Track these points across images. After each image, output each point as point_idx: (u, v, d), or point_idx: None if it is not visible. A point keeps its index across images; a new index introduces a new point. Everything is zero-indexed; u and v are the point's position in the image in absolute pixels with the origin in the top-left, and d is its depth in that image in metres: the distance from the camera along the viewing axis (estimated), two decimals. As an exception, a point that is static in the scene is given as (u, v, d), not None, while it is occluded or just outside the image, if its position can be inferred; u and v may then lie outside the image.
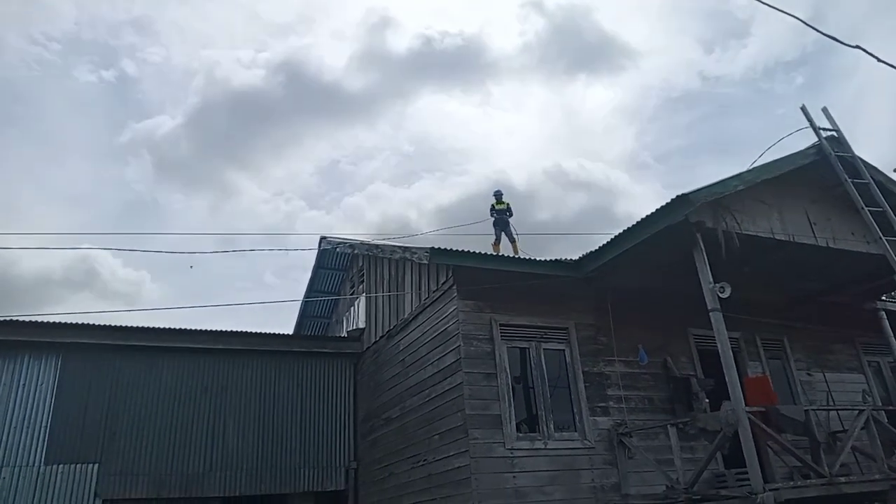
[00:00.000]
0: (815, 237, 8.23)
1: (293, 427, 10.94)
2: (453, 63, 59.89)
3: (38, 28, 54.59)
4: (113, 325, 10.22)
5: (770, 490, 6.23)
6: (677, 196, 7.09)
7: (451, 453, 8.01)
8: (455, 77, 63.37)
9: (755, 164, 7.90)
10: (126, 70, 63.53)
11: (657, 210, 7.41)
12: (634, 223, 7.80)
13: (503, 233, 14.40)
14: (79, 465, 9.44)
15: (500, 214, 14.49)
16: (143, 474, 9.73)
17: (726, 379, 6.82)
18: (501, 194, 14.78)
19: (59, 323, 9.87)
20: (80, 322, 9.99)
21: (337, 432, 11.24)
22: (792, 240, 8.06)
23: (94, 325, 10.07)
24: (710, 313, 7.03)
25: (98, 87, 59.64)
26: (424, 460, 8.73)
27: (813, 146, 8.50)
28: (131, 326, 10.35)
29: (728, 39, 67.10)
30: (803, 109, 8.86)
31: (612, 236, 8.22)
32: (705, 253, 7.25)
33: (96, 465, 9.51)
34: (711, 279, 7.09)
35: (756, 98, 68.81)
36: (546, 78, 64.38)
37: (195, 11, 65.24)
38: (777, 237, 7.97)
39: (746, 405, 6.72)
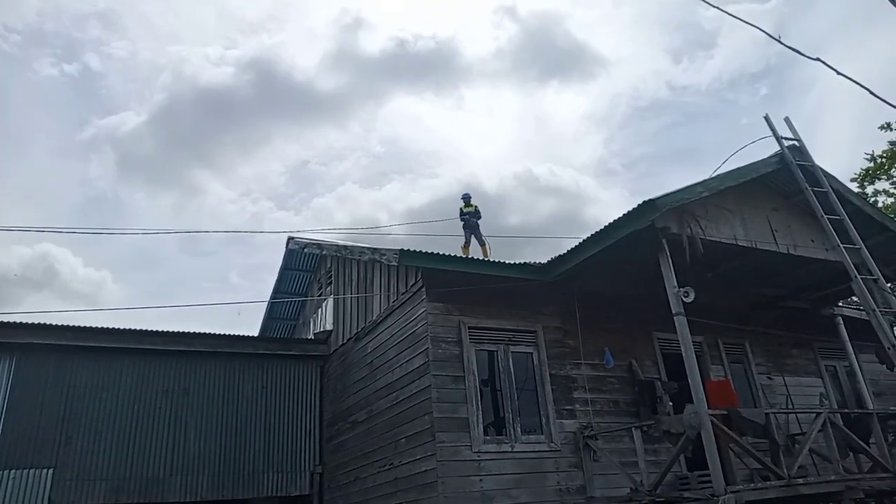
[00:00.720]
0: (776, 244, 8.42)
1: (257, 430, 10.75)
2: (426, 66, 60.00)
3: (-2, 19, 52.92)
4: (70, 325, 9.92)
5: (731, 492, 6.34)
6: (644, 201, 7.19)
7: (417, 457, 7.96)
8: (428, 80, 63.46)
9: (719, 172, 8.05)
10: (90, 64, 62.03)
11: (624, 215, 7.50)
12: (601, 228, 7.87)
13: (472, 235, 14.41)
14: (32, 471, 9.12)
15: (469, 217, 14.51)
16: (100, 479, 9.44)
17: (689, 382, 6.93)
18: (470, 197, 14.78)
19: (14, 323, 9.54)
20: (35, 322, 9.68)
21: (302, 436, 11.08)
22: (754, 246, 8.23)
23: (50, 325, 9.76)
24: (675, 317, 7.14)
25: (60, 81, 58.04)
26: (391, 464, 8.66)
27: (775, 155, 8.72)
28: (89, 327, 10.06)
29: (695, 50, 68.57)
30: (766, 118, 9.08)
31: (580, 240, 8.29)
32: (670, 258, 7.36)
33: (51, 471, 9.20)
34: (676, 284, 7.20)
35: (721, 108, 70.47)
36: (519, 83, 64.88)
37: (164, 6, 63.94)
38: (740, 243, 8.13)
39: (709, 408, 6.84)
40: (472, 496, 7.48)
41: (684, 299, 7.09)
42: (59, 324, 9.85)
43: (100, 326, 10.14)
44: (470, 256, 11.41)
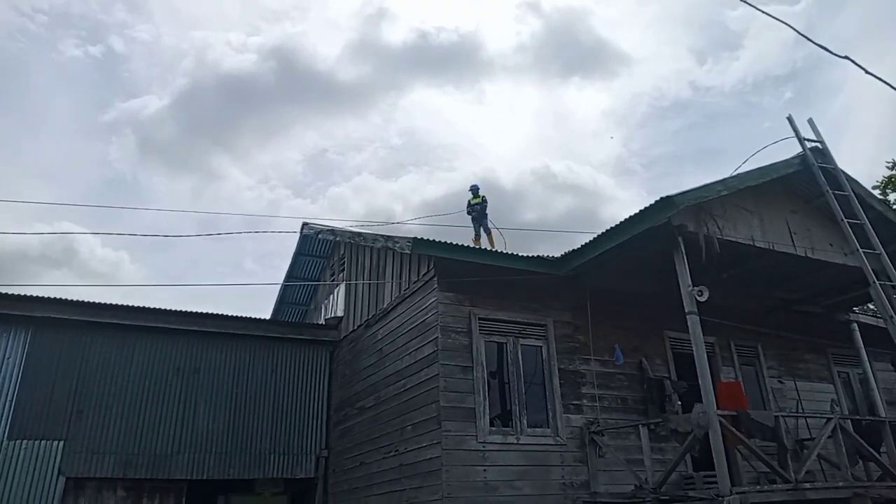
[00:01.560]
0: (794, 246, 8.31)
1: (265, 412, 10.84)
2: (448, 58, 59.78)
3: (26, 0, 53.39)
4: (85, 301, 10.03)
5: (737, 493, 6.28)
6: (661, 198, 7.11)
7: (423, 444, 7.98)
8: (449, 73, 63.25)
9: (739, 171, 7.95)
10: (114, 47, 62.45)
11: (640, 211, 7.42)
12: (617, 223, 7.81)
13: (480, 227, 14.34)
14: (43, 442, 9.26)
15: (477, 208, 14.44)
16: (109, 453, 9.57)
17: (699, 382, 6.87)
18: (478, 188, 14.62)
19: (30, 296, 9.65)
20: (51, 296, 9.79)
21: (309, 419, 11.16)
22: (772, 248, 8.12)
23: (65, 299, 9.87)
24: (687, 316, 7.07)
25: (83, 63, 58.56)
26: (396, 450, 8.70)
27: (797, 156, 8.59)
28: (103, 303, 10.16)
29: (720, 51, 67.71)
30: (790, 119, 8.95)
31: (595, 235, 8.23)
32: (686, 256, 7.28)
33: (62, 443, 9.34)
34: (690, 282, 7.13)
35: (744, 110, 69.64)
36: (540, 79, 64.51)
37: (188, -10, 64.20)
38: (757, 244, 8.03)
39: (718, 409, 6.78)
40: (475, 485, 7.49)
41: (698, 298, 7.02)
42: (75, 299, 9.97)
43: (114, 303, 10.25)
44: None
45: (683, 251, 7.29)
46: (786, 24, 5.10)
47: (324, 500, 10.75)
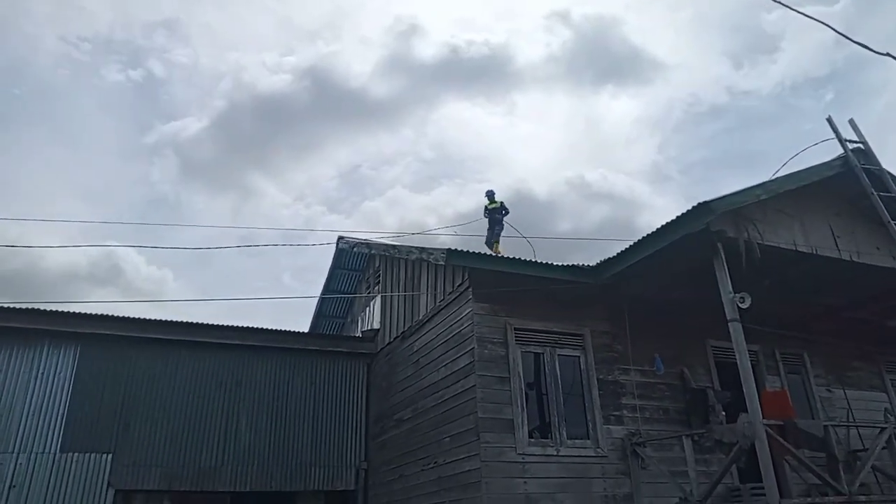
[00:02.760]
0: (838, 250, 8.07)
1: (305, 425, 10.96)
2: (478, 71, 59.92)
3: (72, 30, 55.71)
4: (131, 317, 10.33)
5: (786, 505, 6.11)
6: (698, 203, 7.00)
7: (461, 456, 7.96)
8: (479, 85, 63.41)
9: (779, 174, 7.79)
10: (153, 70, 64.47)
11: (677, 218, 7.32)
12: (654, 230, 7.70)
13: (493, 232, 14.17)
14: (93, 455, 9.53)
15: (494, 214, 14.35)
16: (155, 466, 9.80)
17: (744, 391, 6.70)
18: (493, 193, 14.56)
19: (79, 313, 10.00)
20: (99, 313, 10.13)
21: (348, 432, 11.24)
22: (815, 252, 7.91)
23: (112, 316, 10.18)
24: (730, 324, 6.92)
25: (125, 87, 60.59)
26: (435, 462, 8.70)
27: (839, 157, 8.37)
28: (149, 319, 10.45)
29: (757, 54, 66.38)
30: (829, 120, 8.73)
31: (631, 243, 8.14)
32: (725, 263, 7.14)
33: (110, 455, 9.60)
34: (731, 289, 6.99)
35: (782, 113, 68.04)
36: (572, 88, 64.18)
37: (226, 14, 66.09)
38: (800, 249, 7.83)
39: (764, 418, 6.61)
40: (516, 498, 7.43)
41: (740, 305, 6.87)
42: (122, 316, 10.28)
43: (158, 319, 10.53)
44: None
45: (723, 257, 7.16)
46: (824, 24, 5.01)
47: (364, 512, 10.79)
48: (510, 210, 14.47)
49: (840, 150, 8.47)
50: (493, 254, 12.41)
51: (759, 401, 6.77)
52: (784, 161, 8.00)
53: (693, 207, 7.08)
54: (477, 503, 7.41)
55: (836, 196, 8.50)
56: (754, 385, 6.76)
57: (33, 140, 53.33)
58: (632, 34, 65.11)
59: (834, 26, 5.00)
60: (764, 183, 7.48)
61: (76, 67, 56.55)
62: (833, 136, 8.61)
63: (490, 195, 14.60)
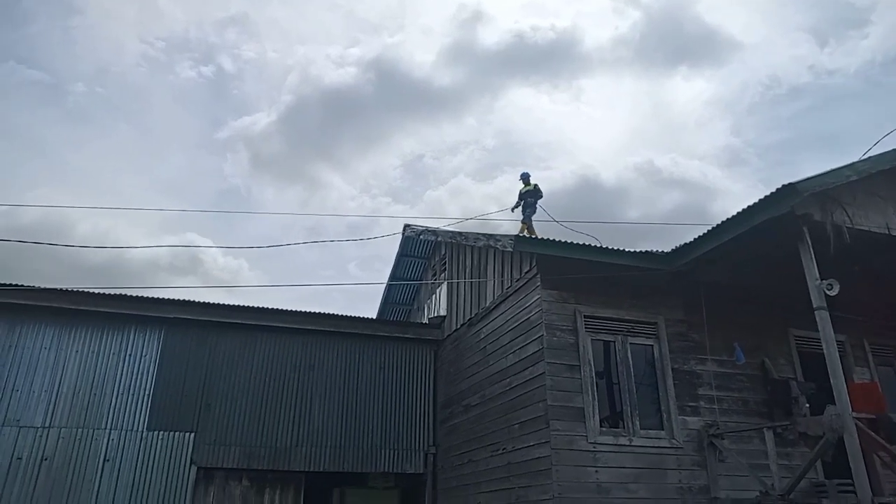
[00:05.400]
0: (936, 235, 7.52)
1: (375, 408, 11.20)
2: (544, 57, 58.93)
3: (150, 30, 58.32)
4: (211, 302, 10.80)
5: (880, 503, 5.78)
6: (784, 185, 6.64)
7: (531, 443, 7.95)
8: (545, 71, 62.40)
9: (869, 155, 7.30)
10: (223, 66, 66.79)
11: (760, 200, 6.97)
12: (733, 214, 7.37)
13: (527, 215, 13.94)
14: (177, 433, 10.04)
15: (528, 197, 14.10)
16: (234, 445, 10.24)
17: (831, 383, 6.37)
18: (528, 176, 14.38)
19: (163, 299, 10.52)
20: (182, 299, 10.63)
21: (417, 416, 11.41)
22: (910, 237, 7.40)
23: (194, 301, 10.68)
24: (816, 312, 6.58)
25: (197, 83, 63.07)
26: (503, 448, 8.71)
27: (939, 135, 7.76)
28: (228, 305, 10.88)
29: (844, 30, 62.25)
30: (929, 95, 8.11)
31: (708, 228, 7.84)
32: (811, 248, 6.78)
33: (193, 434, 10.09)
34: (818, 275, 6.64)
35: (870, 91, 63.66)
36: (642, 71, 61.98)
37: (293, 10, 67.62)
38: (893, 233, 7.34)
39: (853, 411, 6.27)
40: (587, 486, 7.36)
41: (827, 292, 6.51)
42: (202, 301, 10.77)
43: (237, 304, 10.96)
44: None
45: (809, 242, 6.79)
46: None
47: (433, 495, 10.95)
48: (543, 194, 14.25)
49: (940, 127, 7.86)
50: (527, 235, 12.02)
51: (848, 393, 6.42)
52: (869, 143, 7.48)
53: (777, 189, 6.74)
54: (547, 490, 7.38)
55: (935, 176, 7.91)
56: (842, 376, 6.41)
57: (117, 136, 56.40)
58: (705, 13, 62.44)
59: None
60: (854, 163, 7.03)
61: (152, 64, 59.28)
62: (932, 111, 8.00)
63: (525, 178, 14.45)
